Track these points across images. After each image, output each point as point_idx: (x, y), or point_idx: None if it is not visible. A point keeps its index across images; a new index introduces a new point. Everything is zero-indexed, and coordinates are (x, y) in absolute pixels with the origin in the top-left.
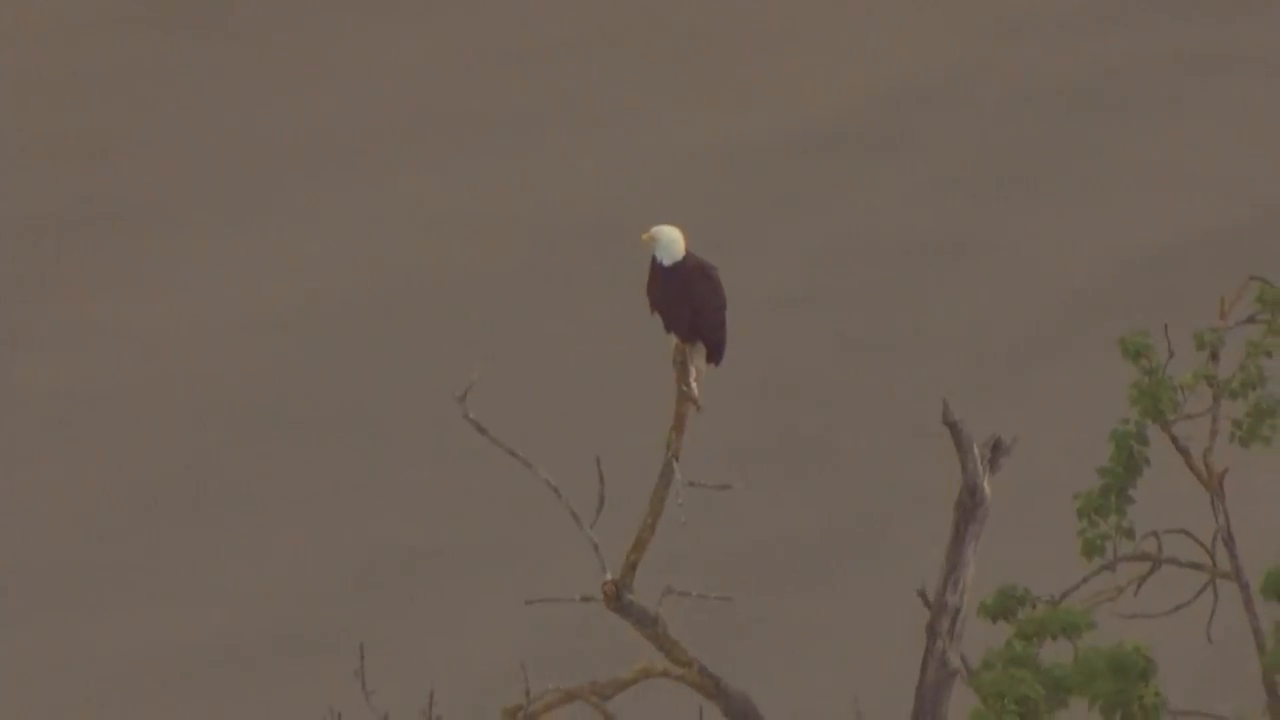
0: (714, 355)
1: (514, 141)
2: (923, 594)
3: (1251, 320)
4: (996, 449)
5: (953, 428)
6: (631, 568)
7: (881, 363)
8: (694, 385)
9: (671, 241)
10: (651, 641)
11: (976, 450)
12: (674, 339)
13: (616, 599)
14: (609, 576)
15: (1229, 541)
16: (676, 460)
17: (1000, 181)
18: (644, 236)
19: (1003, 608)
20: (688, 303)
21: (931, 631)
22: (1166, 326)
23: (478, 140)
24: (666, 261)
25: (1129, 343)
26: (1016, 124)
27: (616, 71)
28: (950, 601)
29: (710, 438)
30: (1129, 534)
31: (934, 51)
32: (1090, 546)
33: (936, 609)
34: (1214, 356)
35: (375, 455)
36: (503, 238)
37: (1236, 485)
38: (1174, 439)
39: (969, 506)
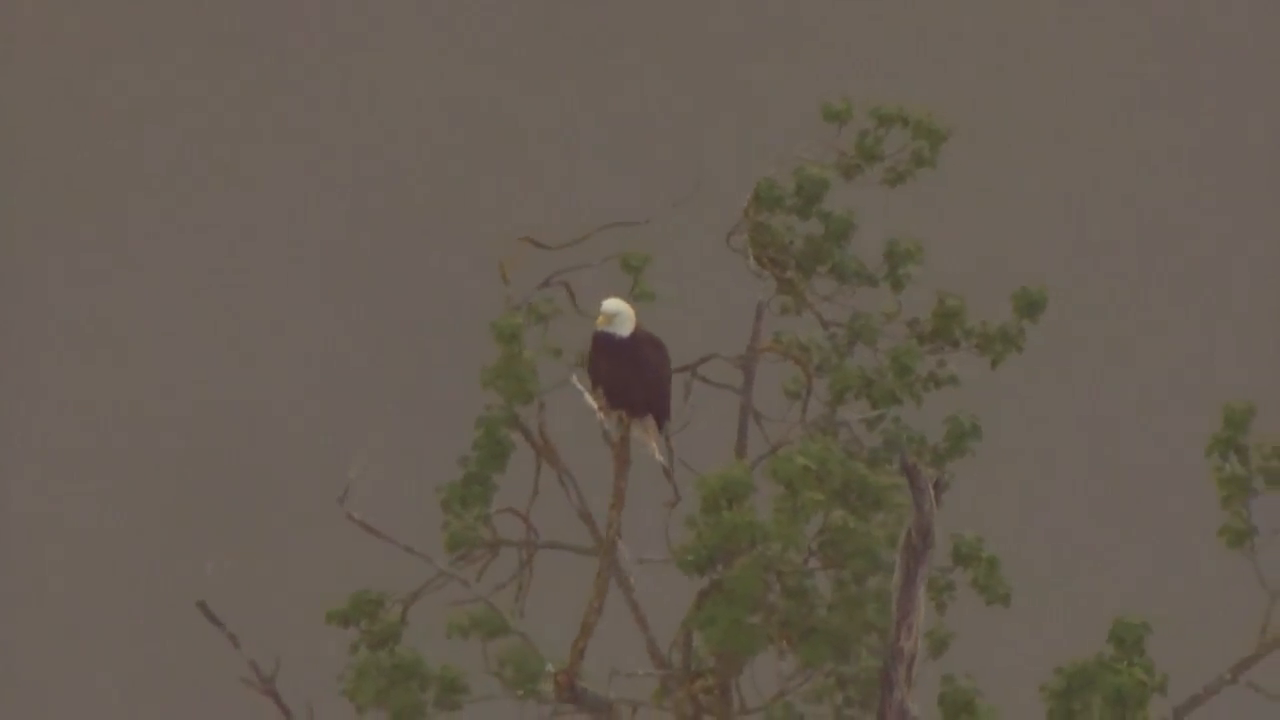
0: (660, 423)
1: None
2: None
3: (547, 284)
4: (937, 488)
5: (910, 471)
6: (580, 655)
7: None
8: (660, 457)
9: (629, 316)
10: None
11: (932, 495)
12: (615, 415)
13: (570, 689)
14: (550, 668)
15: (586, 517)
16: (619, 538)
17: None
18: (600, 320)
19: (357, 613)
20: (643, 374)
21: (888, 681)
22: (569, 287)
23: None
24: (624, 332)
25: (502, 325)
26: None
27: None
28: (905, 648)
29: None
30: (488, 522)
31: None
32: (455, 539)
33: (891, 656)
34: (514, 338)
35: None
36: None
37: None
38: (515, 418)
39: (919, 549)
